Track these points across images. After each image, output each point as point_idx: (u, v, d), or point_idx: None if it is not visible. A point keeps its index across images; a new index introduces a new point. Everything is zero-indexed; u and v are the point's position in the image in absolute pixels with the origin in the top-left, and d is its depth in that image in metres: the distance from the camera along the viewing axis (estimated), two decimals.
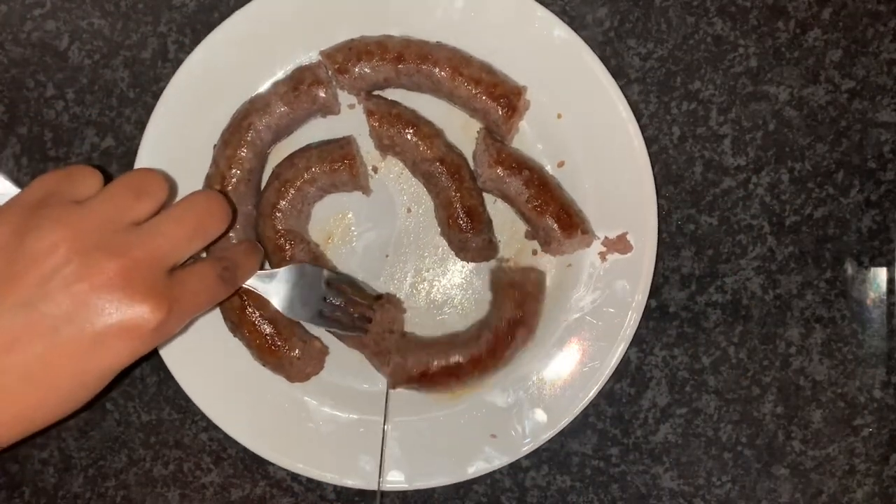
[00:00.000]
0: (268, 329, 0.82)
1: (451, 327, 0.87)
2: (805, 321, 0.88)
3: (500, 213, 0.87)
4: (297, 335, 0.84)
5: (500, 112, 0.82)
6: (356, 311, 0.82)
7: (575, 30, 0.84)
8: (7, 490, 0.91)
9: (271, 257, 0.84)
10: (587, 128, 0.84)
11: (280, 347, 0.83)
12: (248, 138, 0.82)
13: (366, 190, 0.86)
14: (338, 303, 0.81)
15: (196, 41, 0.89)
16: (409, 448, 0.85)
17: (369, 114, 0.83)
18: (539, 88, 0.84)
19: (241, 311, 0.82)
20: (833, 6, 0.89)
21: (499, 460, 0.84)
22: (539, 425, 0.84)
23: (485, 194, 0.86)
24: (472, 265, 0.87)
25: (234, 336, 0.84)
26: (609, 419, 0.88)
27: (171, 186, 0.67)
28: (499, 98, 0.82)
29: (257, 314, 0.82)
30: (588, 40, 0.84)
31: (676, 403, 0.89)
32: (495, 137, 0.84)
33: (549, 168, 0.85)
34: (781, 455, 0.89)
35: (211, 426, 0.90)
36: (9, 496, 0.91)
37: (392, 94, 0.86)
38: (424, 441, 0.85)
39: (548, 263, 0.86)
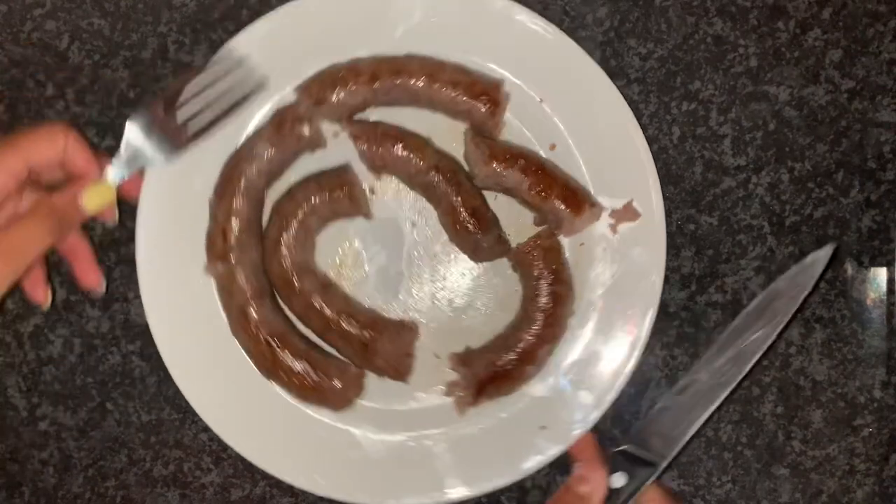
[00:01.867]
0: (301, 367, 0.81)
1: (478, 330, 0.86)
2: (805, 321, 0.88)
3: (503, 208, 0.86)
4: (332, 365, 0.83)
5: (484, 109, 0.82)
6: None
7: (574, 29, 0.84)
8: (7, 490, 0.91)
9: (280, 292, 0.84)
10: (570, 105, 0.84)
11: (319, 382, 0.82)
12: (242, 187, 0.82)
13: (368, 214, 0.86)
14: (195, 107, 0.78)
15: (196, 41, 0.89)
16: (462, 456, 0.84)
17: (355, 138, 0.83)
18: (516, 77, 0.84)
19: (272, 357, 0.82)
20: (833, 6, 0.89)
21: (553, 450, 0.83)
22: (586, 407, 0.83)
23: (485, 192, 0.85)
24: (487, 264, 0.87)
25: (271, 381, 0.83)
26: (609, 419, 0.88)
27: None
28: (479, 95, 0.81)
29: (289, 356, 0.82)
30: (588, 40, 0.84)
31: None
32: (483, 134, 0.84)
33: (542, 152, 0.85)
34: (781, 455, 0.89)
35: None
36: (9, 496, 0.91)
37: (374, 114, 0.86)
38: (476, 446, 0.84)
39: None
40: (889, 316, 0.89)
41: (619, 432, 0.89)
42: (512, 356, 0.82)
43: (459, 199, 0.82)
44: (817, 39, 0.89)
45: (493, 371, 0.82)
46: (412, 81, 0.82)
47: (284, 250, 0.83)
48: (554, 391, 0.84)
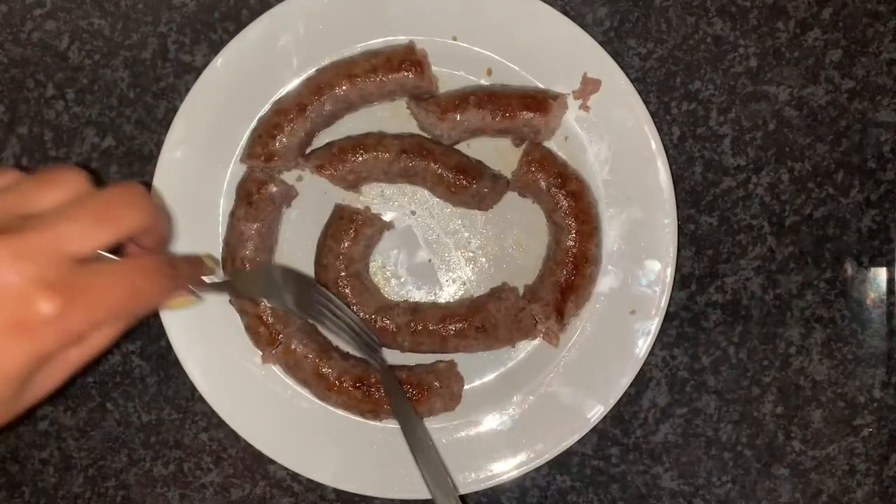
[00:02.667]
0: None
1: (524, 266, 0.88)
2: (805, 321, 0.88)
3: (481, 152, 0.87)
4: (422, 372, 0.85)
5: (411, 75, 0.83)
6: (343, 324, 0.82)
7: None
8: (7, 490, 0.91)
9: (384, 339, 0.85)
10: (482, 25, 0.85)
11: (423, 392, 0.83)
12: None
13: (387, 226, 0.87)
14: (324, 306, 0.81)
15: (196, 41, 0.89)
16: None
17: (318, 170, 0.84)
18: (421, 34, 0.85)
19: (368, 397, 0.83)
20: (833, 6, 0.89)
21: (652, 325, 0.84)
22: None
23: (458, 146, 0.86)
24: (496, 206, 0.87)
25: (381, 419, 0.84)
26: (609, 419, 0.88)
27: (89, 180, 0.59)
28: (400, 66, 0.82)
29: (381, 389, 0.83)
30: None
31: (676, 403, 0.89)
32: (425, 97, 0.85)
33: (483, 81, 0.86)
34: (781, 455, 0.89)
35: (211, 426, 0.90)
36: (9, 496, 0.91)
37: (322, 136, 0.87)
38: (587, 360, 0.86)
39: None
40: (889, 316, 0.89)
41: (620, 432, 0.89)
42: (569, 266, 0.83)
43: (440, 164, 0.83)
44: (817, 39, 0.89)
45: (560, 289, 0.83)
46: (336, 90, 0.83)
47: (356, 306, 0.84)
48: (621, 277, 0.85)
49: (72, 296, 0.53)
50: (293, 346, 0.83)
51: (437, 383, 0.84)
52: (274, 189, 0.84)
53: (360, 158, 0.83)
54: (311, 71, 0.85)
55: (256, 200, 0.83)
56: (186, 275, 0.69)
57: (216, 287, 0.75)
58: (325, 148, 0.85)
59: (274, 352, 0.83)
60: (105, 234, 0.57)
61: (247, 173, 0.84)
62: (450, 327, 0.83)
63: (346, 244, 0.83)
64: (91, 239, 0.56)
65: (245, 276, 0.81)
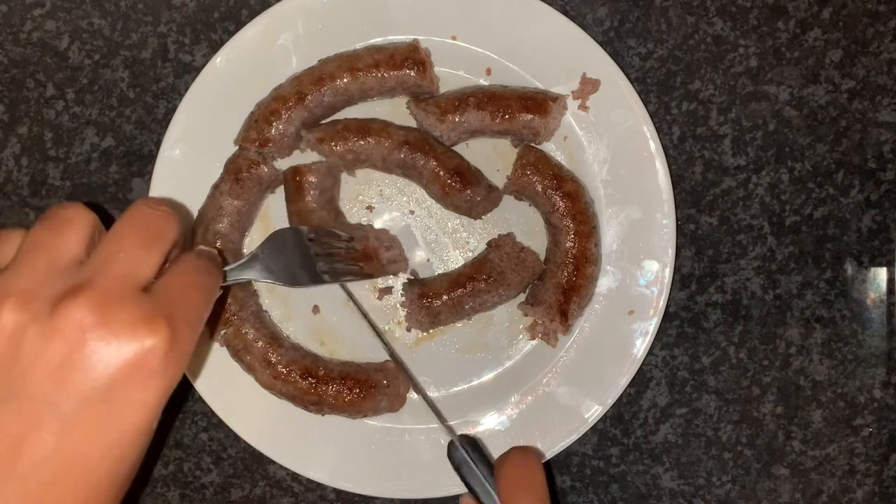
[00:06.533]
0: (345, 386, 0.83)
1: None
2: (805, 321, 0.88)
3: (480, 152, 0.87)
4: (370, 370, 0.85)
5: (413, 73, 0.82)
6: (346, 256, 0.81)
7: None
8: None
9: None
10: (481, 25, 0.85)
11: (370, 388, 0.83)
12: (218, 245, 0.83)
13: (336, 167, 0.86)
14: (327, 252, 0.79)
15: (196, 41, 0.89)
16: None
17: (318, 142, 0.83)
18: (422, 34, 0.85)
19: (314, 389, 0.83)
20: (833, 6, 0.89)
21: (650, 324, 0.84)
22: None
23: (456, 146, 0.86)
24: (492, 214, 0.87)
25: (323, 413, 0.84)
26: (609, 419, 0.88)
27: (94, 212, 0.58)
28: (403, 63, 0.82)
29: (333, 378, 0.83)
30: None
31: (676, 403, 0.89)
32: (424, 98, 0.85)
33: (483, 82, 0.86)
34: (781, 455, 0.89)
35: (211, 426, 0.90)
36: None
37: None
38: (584, 360, 0.86)
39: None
40: (889, 316, 0.89)
41: (620, 432, 0.89)
42: (569, 268, 0.83)
43: (438, 163, 0.83)
44: (817, 39, 0.89)
45: (562, 291, 0.83)
46: (337, 82, 0.82)
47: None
48: (619, 278, 0.85)
49: (167, 320, 0.52)
50: (244, 330, 0.83)
51: (384, 381, 0.83)
52: (265, 170, 0.83)
53: (362, 140, 0.83)
54: (314, 62, 0.85)
55: (244, 178, 0.83)
56: (217, 261, 0.68)
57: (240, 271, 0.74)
58: (331, 124, 0.85)
59: (224, 332, 0.83)
60: (155, 253, 0.57)
61: (239, 151, 0.84)
62: (460, 290, 0.83)
63: (303, 200, 0.82)
64: (147, 263, 0.56)
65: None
